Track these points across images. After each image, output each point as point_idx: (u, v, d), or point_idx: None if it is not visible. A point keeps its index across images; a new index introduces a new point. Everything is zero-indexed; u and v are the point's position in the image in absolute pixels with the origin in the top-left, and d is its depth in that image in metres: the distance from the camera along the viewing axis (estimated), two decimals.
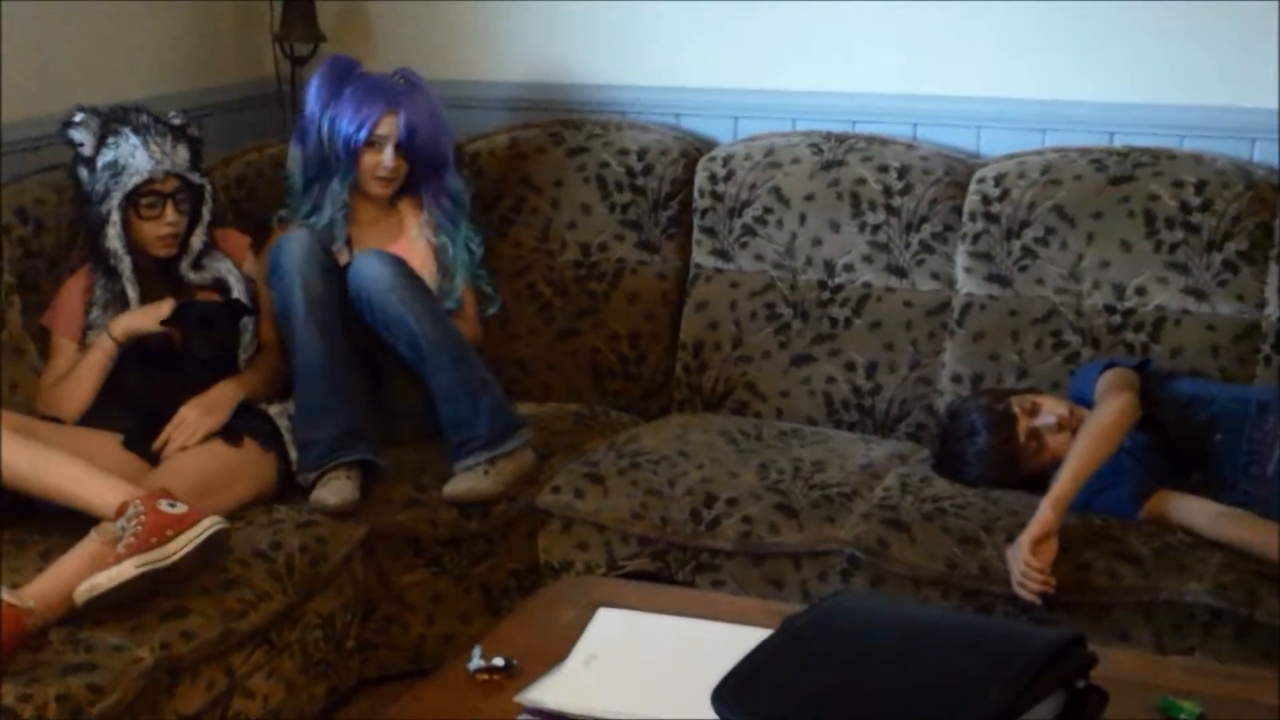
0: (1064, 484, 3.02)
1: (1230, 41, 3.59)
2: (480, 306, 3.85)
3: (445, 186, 3.79)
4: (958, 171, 3.73)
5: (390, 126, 3.66)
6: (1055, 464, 3.14)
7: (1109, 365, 3.31)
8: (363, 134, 3.64)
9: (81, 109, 3.39)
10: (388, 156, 3.66)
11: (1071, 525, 3.04)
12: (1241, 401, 3.20)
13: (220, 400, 3.33)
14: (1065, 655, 1.95)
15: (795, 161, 3.84)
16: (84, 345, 3.35)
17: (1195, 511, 3.08)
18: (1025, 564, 2.94)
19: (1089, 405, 3.22)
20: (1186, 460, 3.20)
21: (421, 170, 3.75)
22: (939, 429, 3.45)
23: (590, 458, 3.49)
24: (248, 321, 3.47)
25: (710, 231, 3.91)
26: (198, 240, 3.46)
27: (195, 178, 3.44)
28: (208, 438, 3.25)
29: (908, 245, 3.71)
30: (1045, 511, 2.97)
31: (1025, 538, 2.96)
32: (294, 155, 3.74)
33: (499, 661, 2.25)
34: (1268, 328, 3.41)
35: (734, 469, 3.37)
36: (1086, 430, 3.10)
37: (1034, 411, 3.29)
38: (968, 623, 2.28)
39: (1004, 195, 3.62)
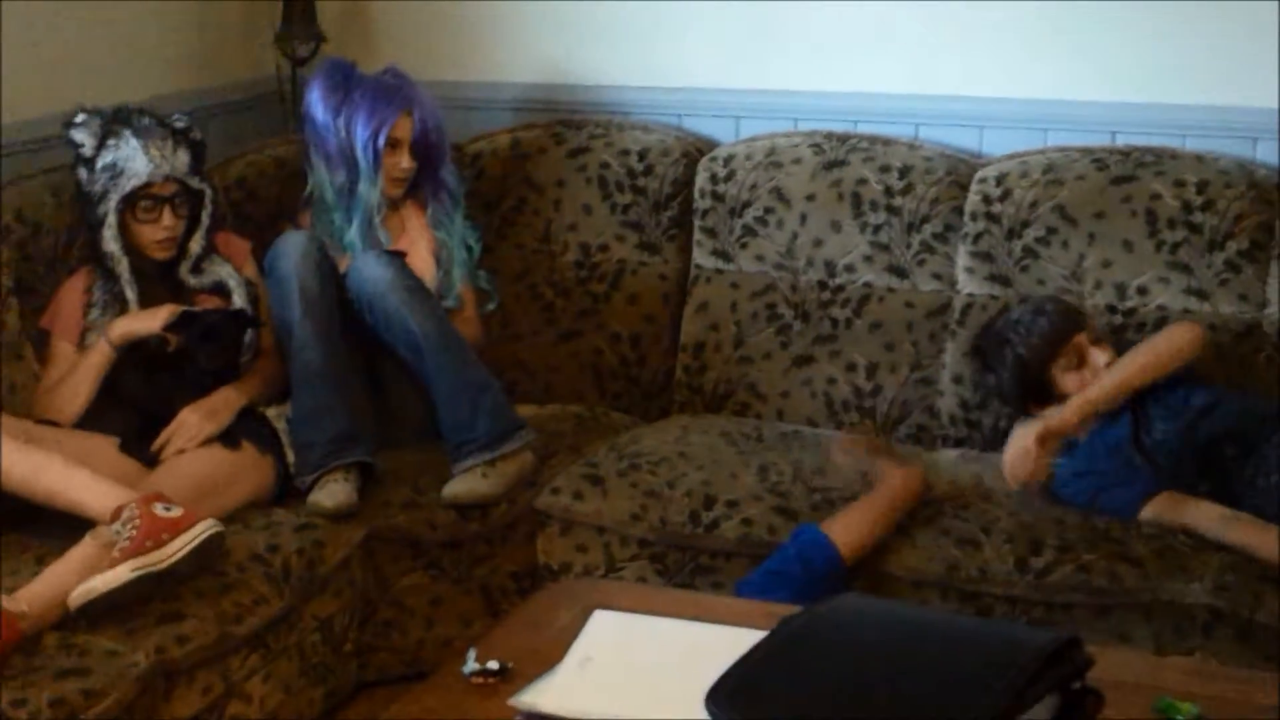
0: (1100, 388, 3.00)
1: (1232, 41, 3.59)
2: (479, 304, 3.85)
3: (443, 181, 3.79)
4: (959, 171, 3.72)
5: (406, 128, 3.67)
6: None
7: None
8: (382, 137, 3.62)
9: (83, 109, 3.38)
10: (405, 157, 3.66)
11: (1073, 525, 3.04)
12: (1255, 415, 3.17)
13: (222, 406, 3.32)
14: (1061, 657, 1.94)
15: (796, 162, 3.83)
16: (82, 347, 3.34)
17: (1200, 514, 3.06)
18: (1027, 446, 2.92)
19: None
20: (1197, 472, 3.17)
21: (425, 167, 3.75)
22: (1003, 313, 3.45)
23: (590, 459, 3.48)
24: (252, 332, 3.46)
25: (711, 232, 3.90)
26: (196, 245, 3.45)
27: (195, 182, 3.43)
28: (206, 442, 3.24)
29: (909, 245, 3.69)
30: (1068, 410, 2.96)
31: (1038, 426, 2.94)
32: (318, 168, 3.68)
33: (493, 665, 2.24)
34: (1269, 328, 3.40)
35: (734, 471, 3.36)
36: (1144, 345, 3.07)
37: (1096, 342, 3.29)
38: (964, 625, 2.27)
39: (1005, 195, 3.61)
